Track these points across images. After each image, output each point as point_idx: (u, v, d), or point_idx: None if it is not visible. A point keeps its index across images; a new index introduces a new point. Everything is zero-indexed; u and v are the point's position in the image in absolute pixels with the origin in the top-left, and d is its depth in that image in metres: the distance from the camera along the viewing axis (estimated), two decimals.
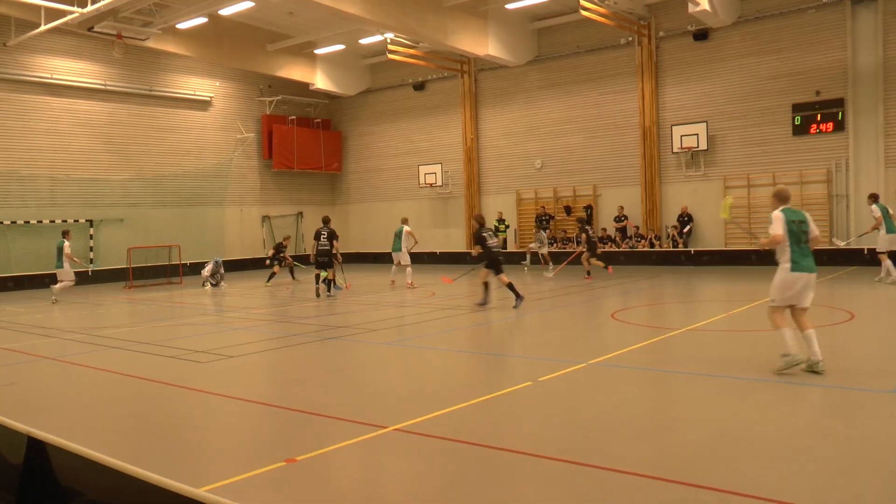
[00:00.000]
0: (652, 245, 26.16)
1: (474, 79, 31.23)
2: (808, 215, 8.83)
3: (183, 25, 25.95)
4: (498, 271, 15.43)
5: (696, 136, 25.27)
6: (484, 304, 15.70)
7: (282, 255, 25.15)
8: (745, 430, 6.41)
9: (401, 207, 33.63)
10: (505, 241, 29.04)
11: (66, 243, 20.93)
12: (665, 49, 26.41)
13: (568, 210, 28.75)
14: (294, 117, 34.47)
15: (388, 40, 28.13)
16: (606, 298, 17.53)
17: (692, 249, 25.52)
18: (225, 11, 25.18)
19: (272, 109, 33.82)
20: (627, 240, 26.87)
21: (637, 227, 26.85)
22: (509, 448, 6.07)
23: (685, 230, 25.66)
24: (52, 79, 26.89)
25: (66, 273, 20.96)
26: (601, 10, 24.20)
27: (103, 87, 28.25)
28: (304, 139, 34.54)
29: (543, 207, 29.13)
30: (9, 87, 25.98)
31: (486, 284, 15.73)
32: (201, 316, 16.96)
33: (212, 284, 23.72)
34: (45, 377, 10.19)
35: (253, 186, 33.54)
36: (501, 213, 29.66)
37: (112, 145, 28.54)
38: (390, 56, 28.64)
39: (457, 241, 31.99)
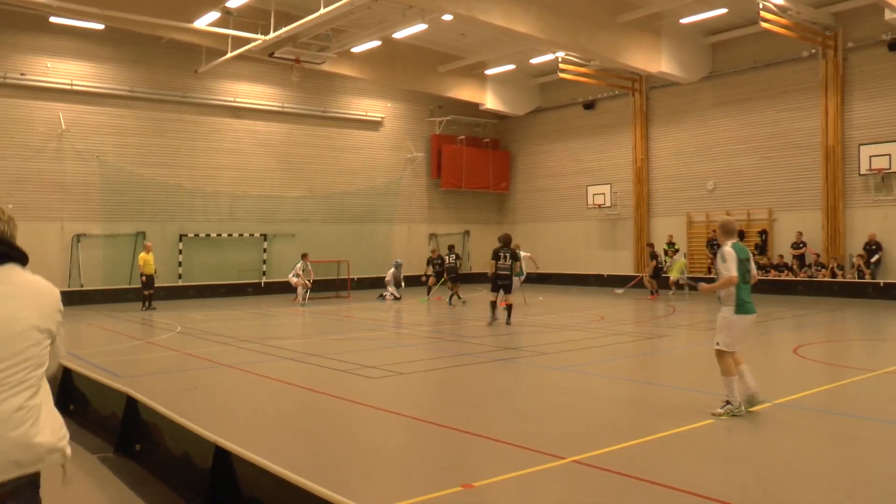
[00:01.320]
0: (834, 275, 24.54)
1: (645, 97, 30.69)
2: (749, 251, 8.38)
3: (357, 49, 27.29)
4: (496, 289, 17.67)
5: (888, 157, 23.52)
6: (490, 321, 17.59)
7: (438, 268, 25.69)
8: None
9: (569, 228, 33.58)
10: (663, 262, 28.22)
11: (299, 264, 25.38)
12: (854, 61, 24.82)
13: (741, 234, 27.51)
14: (463, 137, 35.25)
15: (559, 59, 28.22)
16: (783, 331, 16.75)
17: (881, 281, 23.70)
18: (398, 35, 26.19)
19: (442, 129, 34.75)
20: (806, 268, 25.36)
21: (817, 255, 25.27)
22: (690, 490, 5.78)
23: (873, 260, 23.89)
24: (234, 102, 29.10)
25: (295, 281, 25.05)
26: (782, 20, 23.17)
27: (281, 109, 30.20)
28: (473, 158, 35.21)
29: (714, 232, 28.02)
30: (197, 111, 28.34)
31: (492, 304, 17.89)
32: (370, 331, 17.56)
33: (394, 297, 25.34)
34: (223, 384, 10.95)
35: (421, 205, 34.56)
36: (671, 236, 28.84)
37: (287, 164, 30.41)
38: (561, 75, 28.71)
39: (624, 263, 31.41)
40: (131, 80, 26.85)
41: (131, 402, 7.30)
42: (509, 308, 17.74)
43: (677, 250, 28.66)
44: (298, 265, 25.25)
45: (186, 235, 27.82)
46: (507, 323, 17.52)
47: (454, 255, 24.51)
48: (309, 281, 25.30)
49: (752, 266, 8.42)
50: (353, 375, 11.20)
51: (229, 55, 25.13)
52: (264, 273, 29.45)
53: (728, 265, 8.13)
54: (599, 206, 31.85)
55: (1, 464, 2.78)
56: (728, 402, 8.19)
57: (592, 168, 32.94)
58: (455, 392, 10.30)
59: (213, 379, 11.23)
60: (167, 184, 27.44)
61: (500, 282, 17.74)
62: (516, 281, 21.38)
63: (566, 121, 34.20)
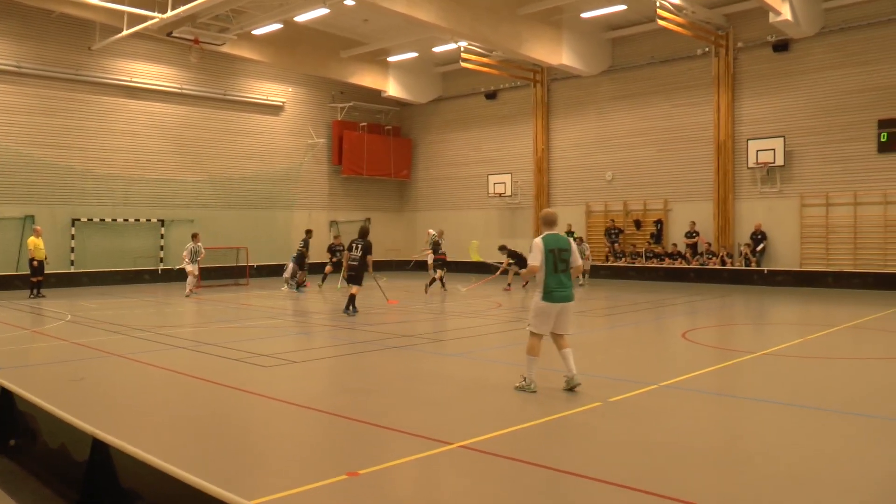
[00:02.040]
0: (723, 263, 25.43)
1: (547, 88, 31.05)
2: (572, 242, 8.77)
3: (258, 31, 26.57)
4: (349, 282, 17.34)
5: (772, 151, 24.51)
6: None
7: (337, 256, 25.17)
8: (824, 466, 6.11)
9: (469, 216, 33.68)
10: None
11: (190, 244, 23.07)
12: (743, 60, 25.71)
13: (638, 224, 28.23)
14: (365, 124, 34.95)
15: (462, 48, 28.21)
16: (676, 317, 17.22)
17: (765, 269, 24.71)
18: (300, 18, 25.64)
19: (343, 115, 34.34)
20: (698, 256, 26.19)
21: (709, 244, 26.13)
22: (575, 472, 5.87)
23: (758, 248, 24.87)
24: (130, 82, 27.97)
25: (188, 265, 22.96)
26: (678, 19, 23.75)
27: (179, 90, 29.23)
28: (375, 146, 34.96)
29: (613, 221, 28.69)
30: (90, 90, 27.11)
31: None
32: (266, 319, 17.21)
33: (291, 286, 24.34)
34: (112, 374, 10.48)
35: (322, 191, 34.09)
36: (570, 225, 29.30)
37: (185, 147, 29.49)
38: (463, 64, 28.74)
39: (524, 251, 31.69)
40: (18, 54, 25.41)
41: (5, 395, 6.87)
42: (352, 297, 17.18)
43: (577, 238, 29.15)
44: (189, 246, 22.99)
45: (79, 220, 26.62)
46: (346, 311, 17.02)
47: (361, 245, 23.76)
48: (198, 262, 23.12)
49: (574, 256, 8.68)
50: (246, 364, 10.93)
51: (125, 33, 24.15)
52: (161, 260, 28.48)
53: (533, 254, 8.55)
54: (500, 195, 32.09)
55: None
56: (524, 378, 8.70)
57: (493, 157, 33.16)
58: (348, 380, 10.19)
59: (100, 369, 10.75)
60: (57, 165, 26.13)
61: (349, 273, 17.31)
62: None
63: (468, 110, 34.31)
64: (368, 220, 35.10)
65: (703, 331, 14.73)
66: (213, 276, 27.38)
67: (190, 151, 29.59)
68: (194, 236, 23.18)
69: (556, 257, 8.51)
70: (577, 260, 8.76)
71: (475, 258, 19.81)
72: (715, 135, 26.06)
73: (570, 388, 8.61)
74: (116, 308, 19.21)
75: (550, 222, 8.78)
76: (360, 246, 17.13)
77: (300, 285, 24.22)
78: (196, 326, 16.01)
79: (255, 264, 29.06)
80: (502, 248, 23.69)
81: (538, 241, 8.59)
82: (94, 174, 27.06)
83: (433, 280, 23.49)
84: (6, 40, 25.26)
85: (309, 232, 25.00)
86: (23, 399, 6.60)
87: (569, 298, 8.64)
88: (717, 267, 25.54)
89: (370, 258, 17.09)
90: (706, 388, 9.18)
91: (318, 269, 26.84)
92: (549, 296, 8.52)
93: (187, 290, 22.54)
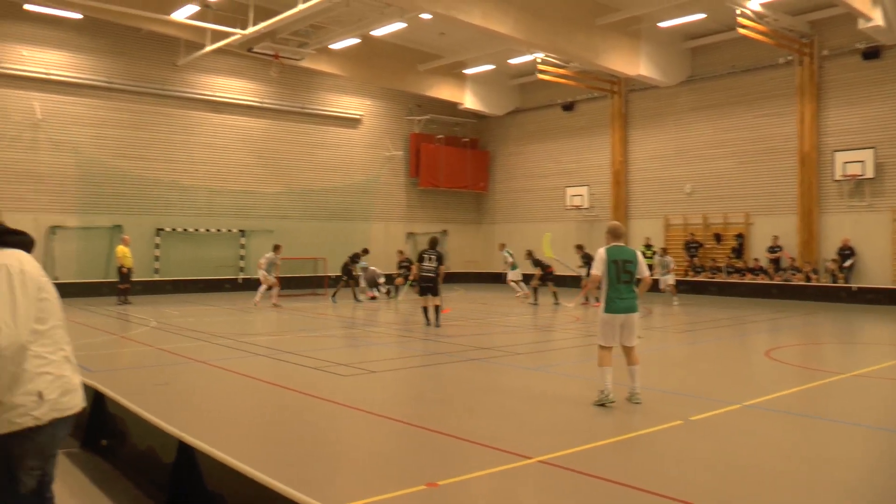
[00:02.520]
0: (808, 279, 24.69)
1: (624, 99, 30.75)
2: (638, 255, 8.81)
3: (336, 46, 27.09)
4: (422, 294, 17.25)
5: (861, 164, 23.69)
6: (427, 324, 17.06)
7: (352, 268, 24.94)
8: None
9: (546, 229, 33.43)
10: (651, 267, 28.19)
11: (270, 254, 22.68)
12: (829, 69, 24.99)
13: (718, 238, 27.65)
14: (442, 136, 35.17)
15: (538, 60, 28.18)
16: (758, 334, 16.78)
17: (854, 286, 23.87)
18: (377, 32, 26.04)
19: (421, 128, 34.65)
20: (781, 272, 25.49)
21: (793, 259, 25.42)
22: (657, 491, 5.71)
23: (846, 264, 24.05)
24: (213, 96, 28.83)
25: (263, 278, 22.48)
26: (760, 27, 23.25)
27: (260, 104, 29.95)
28: (452, 158, 35.14)
29: (692, 234, 28.18)
30: (175, 104, 28.03)
31: (424, 309, 17.28)
32: (345, 328, 17.52)
33: (379, 292, 24.94)
34: (195, 379, 10.81)
35: (399, 203, 34.43)
36: (649, 238, 28.88)
37: (265, 160, 30.18)
38: (540, 76, 28.69)
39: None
40: (109, 70, 26.50)
41: (98, 397, 7.14)
42: (436, 309, 17.21)
43: (655, 253, 28.73)
44: (269, 256, 22.66)
45: (163, 229, 27.51)
46: (437, 325, 16.94)
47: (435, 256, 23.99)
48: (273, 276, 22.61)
49: (640, 269, 8.80)
50: (324, 373, 11.08)
51: (208, 49, 24.90)
52: (242, 269, 29.17)
53: (595, 264, 8.77)
54: (577, 207, 31.86)
55: (81, 396, 3.68)
56: (601, 392, 8.69)
57: (571, 169, 32.96)
58: (425, 390, 10.24)
59: (184, 375, 11.07)
60: (144, 177, 27.10)
61: (424, 284, 17.21)
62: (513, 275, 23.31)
63: (545, 122, 34.21)
64: (444, 231, 35.32)
65: (787, 349, 14.29)
66: (292, 285, 27.87)
67: (270, 163, 30.28)
68: (276, 248, 23.01)
69: (619, 268, 8.62)
70: (643, 272, 8.86)
71: (548, 254, 19.82)
72: (799, 146, 25.36)
73: (632, 402, 8.70)
74: (198, 315, 19.72)
75: (617, 235, 8.89)
76: (433, 257, 17.12)
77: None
78: (275, 335, 16.28)
79: (332, 274, 29.42)
80: (579, 248, 23.42)
81: (601, 251, 8.74)
82: (178, 185, 27.94)
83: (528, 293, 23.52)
84: (99, 57, 26.33)
85: (277, 247, 23.17)
86: (113, 402, 6.84)
87: (632, 309, 8.70)
88: (801, 283, 24.79)
89: (442, 269, 17.12)
90: (792, 410, 8.87)
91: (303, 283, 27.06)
92: (611, 306, 8.65)
93: (257, 298, 22.52)
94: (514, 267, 25.77)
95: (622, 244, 8.86)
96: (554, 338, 16.37)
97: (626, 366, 8.86)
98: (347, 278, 24.65)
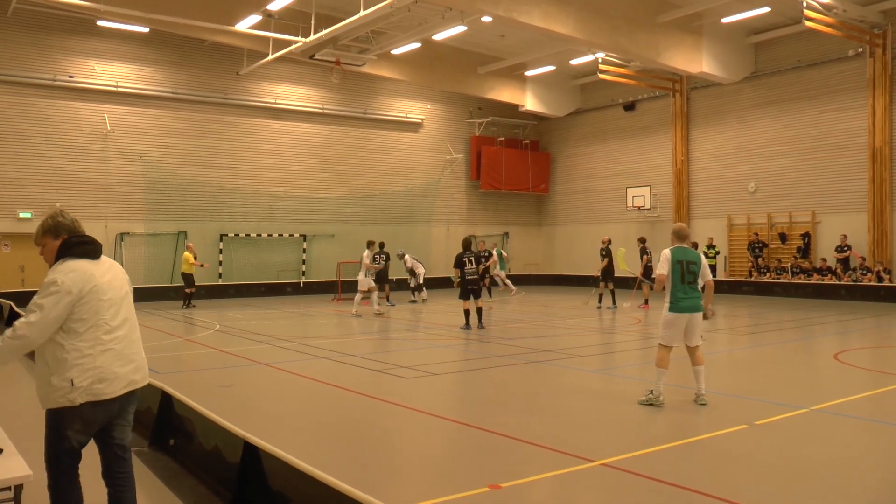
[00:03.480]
0: (880, 279, 24.05)
1: (686, 97, 30.40)
2: (702, 258, 8.88)
3: (397, 51, 27.39)
4: (466, 297, 17.14)
5: None
6: (467, 327, 17.18)
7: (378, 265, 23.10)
8: None
9: (607, 230, 33.23)
10: (714, 268, 27.79)
11: (366, 252, 21.33)
12: None
13: (783, 237, 27.12)
14: (503, 138, 35.25)
15: (599, 60, 28.07)
16: (826, 336, 16.39)
17: None
18: (438, 37, 26.23)
19: (481, 131, 34.79)
20: (851, 272, 24.88)
21: (863, 259, 24.79)
22: (719, 496, 5.69)
23: None
24: (275, 103, 29.42)
25: (364, 282, 20.96)
26: (827, 19, 22.78)
27: (321, 110, 30.47)
28: (512, 160, 35.18)
29: (756, 234, 27.68)
30: (238, 112, 28.71)
31: (466, 312, 17.28)
32: (405, 332, 17.71)
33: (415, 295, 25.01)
34: (258, 381, 11.08)
35: (460, 206, 34.63)
36: (712, 238, 28.50)
37: (326, 165, 30.68)
38: (601, 76, 28.58)
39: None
40: (174, 81, 27.30)
41: (166, 398, 7.42)
42: (479, 311, 17.32)
43: (718, 252, 28.34)
44: (370, 254, 21.38)
45: (227, 235, 28.18)
46: (480, 327, 17.16)
47: (384, 255, 23.89)
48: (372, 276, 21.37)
49: (703, 271, 8.91)
50: (386, 375, 11.27)
51: (270, 57, 25.40)
52: (303, 273, 29.71)
53: (660, 264, 8.87)
54: (639, 208, 31.59)
55: (144, 373, 4.57)
56: (650, 392, 8.82)
57: (632, 170, 32.73)
58: (487, 393, 10.28)
59: (248, 376, 11.35)
60: (208, 184, 27.84)
61: (470, 287, 17.20)
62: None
63: (606, 122, 34.03)
64: (506, 234, 35.36)
65: (857, 352, 13.97)
66: (353, 288, 28.02)
67: (331, 168, 30.76)
68: (370, 245, 21.79)
69: (684, 269, 8.74)
70: (706, 275, 8.95)
71: (622, 266, 19.76)
72: (869, 142, 24.73)
73: (698, 404, 8.75)
74: (261, 319, 20.12)
75: (682, 236, 9.02)
76: (472, 259, 17.28)
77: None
78: (337, 338, 16.51)
79: (394, 278, 29.65)
80: (642, 240, 23.11)
81: (666, 252, 8.88)
82: (241, 192, 28.58)
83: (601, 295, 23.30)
84: (164, 68, 27.15)
85: (371, 244, 21.89)
86: (180, 402, 7.11)
87: (696, 308, 8.81)
88: (872, 284, 24.16)
89: (480, 268, 17.43)
90: (862, 414, 8.68)
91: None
92: (676, 305, 8.74)
93: (355, 310, 21.08)
94: (502, 266, 27.50)
95: (686, 246, 8.99)
96: (615, 340, 16.30)
97: (690, 367, 8.91)
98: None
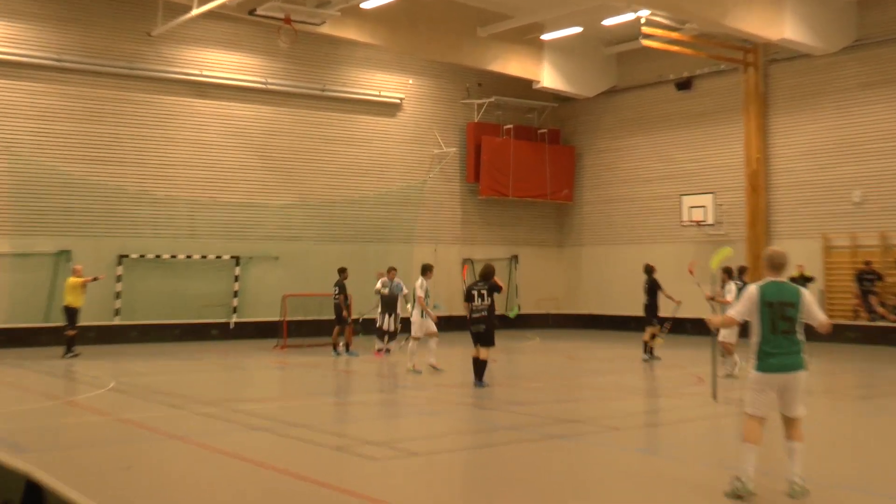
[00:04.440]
0: None
1: (763, 73, 30.43)
2: (804, 294, 8.67)
3: (368, 5, 27.10)
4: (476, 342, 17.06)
5: None
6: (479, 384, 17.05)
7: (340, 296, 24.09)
8: None
9: (654, 254, 33.07)
10: None
11: (420, 280, 20.12)
12: None
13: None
14: (510, 126, 35.29)
15: (643, 21, 28.09)
16: None
17: None
18: None
19: (482, 116, 34.84)
20: None
21: None
22: None
23: None
24: (200, 76, 29.32)
25: (421, 324, 19.68)
26: None
27: (263, 86, 30.40)
28: (524, 156, 35.12)
29: (867, 262, 27.47)
30: (148, 87, 28.55)
31: (475, 360, 17.12)
32: (376, 392, 17.66)
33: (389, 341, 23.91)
34: (168, 463, 10.83)
35: (452, 218, 34.63)
36: (802, 266, 28.22)
37: (270, 161, 30.60)
38: (644, 42, 28.71)
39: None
40: (59, 44, 27.09)
41: (32, 488, 7.04)
42: (483, 364, 17.07)
43: (810, 281, 28.13)
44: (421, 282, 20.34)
45: (128, 256, 27.84)
46: (479, 384, 17.04)
47: (337, 288, 23.80)
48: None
49: (808, 311, 8.68)
50: (350, 455, 11.14)
51: (195, 12, 25.16)
52: (235, 310, 29.40)
53: (738, 305, 8.95)
54: (698, 223, 31.49)
55: None
56: (737, 478, 8.51)
57: (688, 171, 32.79)
58: (492, 482, 10.06)
59: (153, 456, 11.13)
60: (103, 186, 27.55)
61: (474, 329, 17.09)
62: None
63: (652, 106, 34.16)
64: (515, 257, 35.19)
65: None
66: (303, 331, 27.74)
67: (276, 166, 30.66)
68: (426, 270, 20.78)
69: (777, 313, 8.54)
70: (815, 316, 8.75)
71: (714, 265, 19.56)
72: None
73: (793, 496, 8.43)
74: (175, 373, 20.04)
75: (777, 266, 8.88)
76: (484, 293, 17.02)
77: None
78: (282, 400, 16.42)
79: (360, 317, 29.30)
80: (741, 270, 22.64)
81: (753, 288, 8.75)
82: (150, 197, 28.31)
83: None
84: (45, 26, 26.92)
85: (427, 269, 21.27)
86: (55, 495, 6.73)
87: (796, 367, 8.60)
88: None
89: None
90: None
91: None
92: (764, 363, 8.59)
93: (412, 365, 19.76)
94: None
95: (783, 280, 8.81)
96: (665, 406, 16.03)
97: (783, 441, 8.69)
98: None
